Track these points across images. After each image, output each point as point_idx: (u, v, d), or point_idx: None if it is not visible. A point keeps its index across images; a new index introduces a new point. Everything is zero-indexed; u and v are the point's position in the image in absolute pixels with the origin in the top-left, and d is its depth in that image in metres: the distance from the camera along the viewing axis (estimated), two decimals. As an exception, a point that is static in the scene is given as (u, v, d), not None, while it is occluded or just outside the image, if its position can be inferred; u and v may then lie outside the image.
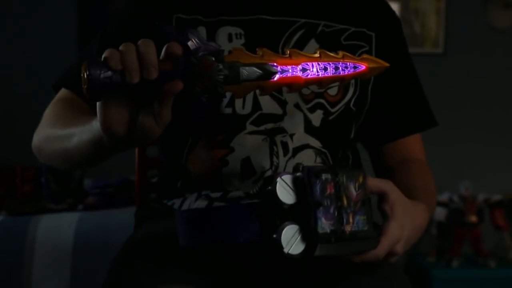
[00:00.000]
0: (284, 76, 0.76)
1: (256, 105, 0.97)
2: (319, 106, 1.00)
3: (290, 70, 0.77)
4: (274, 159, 0.97)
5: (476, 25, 2.94)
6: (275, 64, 0.76)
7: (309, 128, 0.99)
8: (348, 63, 0.80)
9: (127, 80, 0.68)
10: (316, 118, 0.99)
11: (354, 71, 0.81)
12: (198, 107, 0.73)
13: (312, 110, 0.99)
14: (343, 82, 0.83)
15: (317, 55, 0.79)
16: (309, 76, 0.78)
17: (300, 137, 0.98)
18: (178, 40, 0.72)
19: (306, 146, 0.99)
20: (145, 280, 0.88)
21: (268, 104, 0.98)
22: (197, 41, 0.72)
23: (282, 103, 0.98)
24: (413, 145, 1.11)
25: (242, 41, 0.98)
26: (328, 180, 0.74)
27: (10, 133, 2.72)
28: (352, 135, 1.05)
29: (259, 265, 0.91)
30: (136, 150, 1.39)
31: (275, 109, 0.98)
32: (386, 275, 0.88)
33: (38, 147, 0.98)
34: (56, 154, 0.92)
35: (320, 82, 0.79)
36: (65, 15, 2.87)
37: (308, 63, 0.78)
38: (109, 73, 0.68)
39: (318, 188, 0.73)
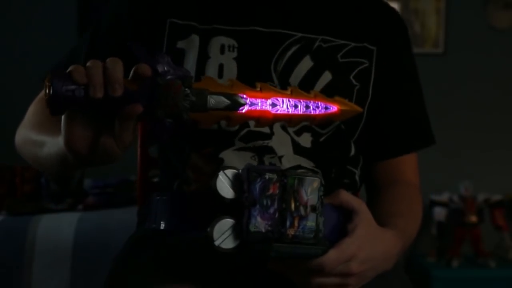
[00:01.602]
0: (252, 109, 0.76)
1: (244, 122, 0.93)
2: (306, 128, 0.96)
3: (259, 104, 0.76)
4: None
5: (476, 25, 2.94)
6: (244, 96, 0.75)
7: (298, 149, 0.96)
8: (319, 103, 0.80)
9: (90, 94, 0.67)
10: (305, 140, 0.96)
11: (325, 111, 0.80)
12: (162, 130, 0.71)
13: (298, 133, 0.96)
14: (313, 122, 0.82)
15: (288, 92, 0.78)
16: (278, 112, 0.77)
17: (290, 158, 0.95)
18: (147, 62, 0.70)
19: (299, 167, 0.95)
20: (145, 279, 0.89)
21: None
22: (167, 65, 0.70)
23: None
24: (407, 166, 1.05)
25: (235, 54, 0.95)
26: (273, 180, 0.73)
27: (10, 133, 2.71)
28: (352, 152, 1.01)
29: (255, 269, 0.91)
30: (138, 149, 1.39)
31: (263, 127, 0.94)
32: (386, 275, 0.87)
33: (18, 147, 0.99)
34: (31, 158, 0.93)
35: (289, 119, 0.78)
36: (65, 11, 2.86)
37: (278, 99, 0.77)
38: (72, 86, 0.67)
39: (257, 186, 0.72)
